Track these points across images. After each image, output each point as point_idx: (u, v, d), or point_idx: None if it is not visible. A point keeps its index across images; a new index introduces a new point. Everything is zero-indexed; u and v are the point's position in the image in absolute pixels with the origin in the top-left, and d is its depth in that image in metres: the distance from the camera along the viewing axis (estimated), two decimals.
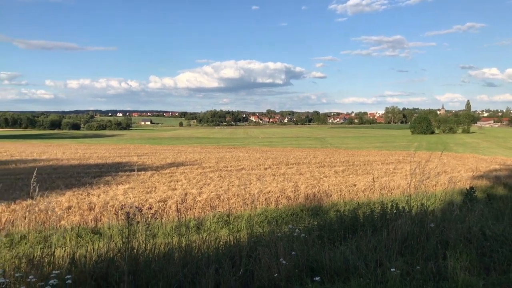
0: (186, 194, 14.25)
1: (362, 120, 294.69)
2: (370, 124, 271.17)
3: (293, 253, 4.30)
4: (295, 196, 14.67)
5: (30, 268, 3.56)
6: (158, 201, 13.02)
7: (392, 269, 4.10)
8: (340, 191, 15.71)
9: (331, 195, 15.17)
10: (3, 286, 3.18)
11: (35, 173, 10.70)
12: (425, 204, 7.82)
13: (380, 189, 16.47)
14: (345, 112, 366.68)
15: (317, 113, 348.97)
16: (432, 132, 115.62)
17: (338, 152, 45.01)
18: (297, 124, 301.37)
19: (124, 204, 3.76)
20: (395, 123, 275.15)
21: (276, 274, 4.02)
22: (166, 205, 12.79)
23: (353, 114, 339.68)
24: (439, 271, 4.41)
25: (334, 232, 5.74)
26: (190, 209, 12.93)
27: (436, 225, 5.73)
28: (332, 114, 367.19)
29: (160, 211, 11.98)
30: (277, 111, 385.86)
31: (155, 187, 15.95)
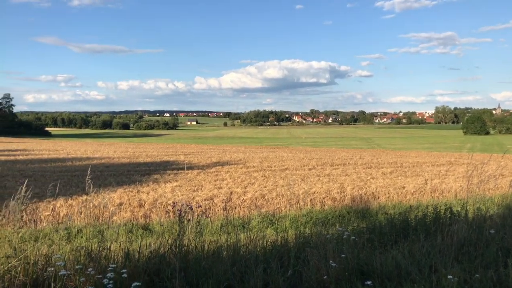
0: (231, 193, 14.42)
1: (411, 120, 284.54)
2: (419, 124, 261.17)
3: (342, 255, 4.21)
4: (341, 197, 14.41)
5: (88, 261, 3.73)
6: (205, 199, 13.25)
7: (449, 276, 3.90)
8: (388, 193, 15.24)
9: (378, 197, 14.76)
10: (64, 277, 3.35)
11: (89, 170, 11.25)
12: (482, 209, 7.41)
13: (431, 192, 15.81)
14: (392, 112, 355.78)
15: (363, 112, 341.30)
16: (487, 133, 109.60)
17: (385, 153, 43.75)
18: (342, 124, 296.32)
19: (176, 202, 3.85)
20: (446, 123, 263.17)
21: (326, 277, 3.95)
22: (212, 203, 13.01)
23: (401, 114, 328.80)
24: (500, 280, 4.14)
25: (385, 236, 5.56)
26: (235, 208, 13.06)
27: (496, 231, 5.39)
28: (378, 113, 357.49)
29: (206, 209, 12.19)
30: (321, 110, 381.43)
31: (202, 186, 16.26)
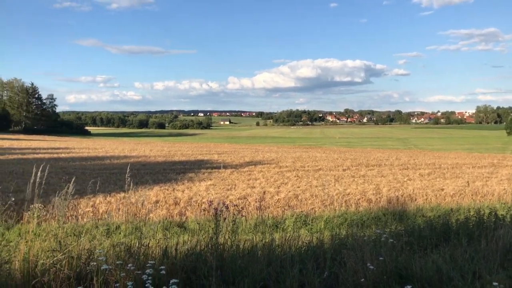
0: (264, 193, 14.43)
1: (450, 120, 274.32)
2: (458, 124, 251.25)
3: (380, 258, 4.11)
4: (376, 199, 14.10)
5: (128, 257, 3.83)
6: (238, 198, 13.34)
7: (495, 283, 3.72)
8: (425, 195, 14.77)
9: (416, 199, 14.33)
10: (106, 272, 3.46)
11: (128, 168, 11.60)
12: None
13: (472, 195, 15.18)
14: (430, 112, 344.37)
15: (399, 112, 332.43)
16: None
17: (423, 154, 42.45)
18: (377, 124, 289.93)
19: (212, 200, 3.90)
20: (488, 123, 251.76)
21: (363, 279, 3.87)
22: (245, 202, 13.06)
23: (439, 114, 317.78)
24: None
25: (424, 239, 5.38)
26: (268, 208, 13.05)
27: None
28: (415, 113, 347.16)
29: (239, 208, 12.26)
30: (356, 110, 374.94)
31: (235, 185, 16.37)
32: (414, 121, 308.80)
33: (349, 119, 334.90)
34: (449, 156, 38.80)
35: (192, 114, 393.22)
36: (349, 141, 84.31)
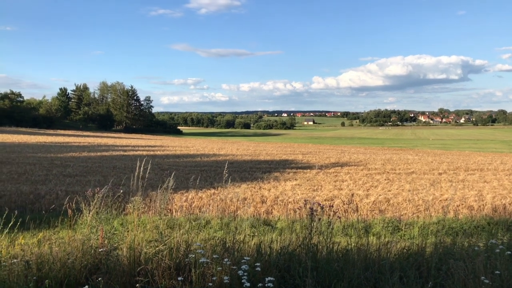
0: (352, 195, 13.94)
1: None
2: None
3: (496, 272, 3.65)
4: (479, 206, 12.81)
5: (223, 252, 3.89)
6: (325, 200, 13.05)
7: None
8: None
9: None
10: (204, 264, 3.54)
11: (226, 167, 11.99)
12: None
13: None
14: None
15: (503, 112, 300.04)
16: None
17: None
18: (477, 125, 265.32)
19: (307, 200, 3.83)
20: None
21: None
22: (332, 204, 12.73)
23: None
24: None
25: None
26: (357, 211, 12.58)
27: None
28: None
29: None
30: (451, 110, 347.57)
31: (321, 186, 16.08)
32: None
33: (444, 120, 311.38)
34: None
35: (276, 114, 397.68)
36: (444, 143, 78.30)
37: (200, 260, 3.54)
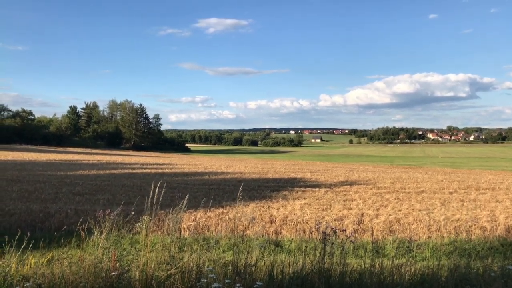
0: (362, 215, 13.79)
1: None
2: None
3: None
4: (492, 227, 12.59)
5: (235, 276, 3.86)
6: (334, 220, 12.93)
7: None
8: None
9: None
10: None
11: (241, 188, 11.97)
12: None
13: None
14: None
15: None
16: None
17: None
18: (487, 143, 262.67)
19: (320, 223, 3.81)
20: None
21: None
22: (342, 224, 12.61)
23: None
24: None
25: None
26: (367, 231, 12.42)
27: None
28: None
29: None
30: (460, 127, 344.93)
31: (330, 205, 15.94)
32: None
33: (453, 137, 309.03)
34: None
35: (283, 131, 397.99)
36: (454, 161, 77.57)
37: (213, 285, 3.50)
